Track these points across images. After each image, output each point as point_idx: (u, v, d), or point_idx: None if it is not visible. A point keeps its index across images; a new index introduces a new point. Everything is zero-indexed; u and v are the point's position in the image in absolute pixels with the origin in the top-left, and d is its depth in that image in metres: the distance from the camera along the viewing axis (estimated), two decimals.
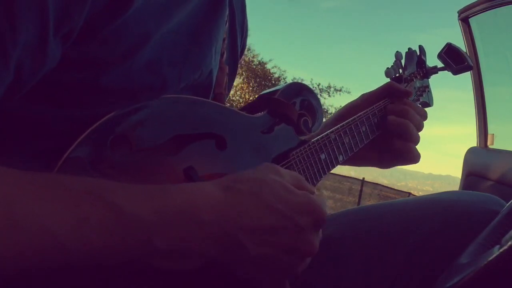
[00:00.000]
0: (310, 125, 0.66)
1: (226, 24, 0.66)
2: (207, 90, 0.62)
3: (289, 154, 0.63)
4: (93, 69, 0.47)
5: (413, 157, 0.76)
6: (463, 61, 0.85)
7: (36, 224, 0.36)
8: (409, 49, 0.86)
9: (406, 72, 0.84)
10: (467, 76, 2.23)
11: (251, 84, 16.27)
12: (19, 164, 0.38)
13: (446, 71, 0.88)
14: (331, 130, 0.68)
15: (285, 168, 0.59)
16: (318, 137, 0.67)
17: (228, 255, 0.43)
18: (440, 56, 0.86)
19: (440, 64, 0.88)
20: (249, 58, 16.14)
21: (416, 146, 0.77)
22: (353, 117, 0.72)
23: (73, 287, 0.41)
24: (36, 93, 0.45)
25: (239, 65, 0.78)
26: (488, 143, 2.19)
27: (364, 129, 0.73)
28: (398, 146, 0.75)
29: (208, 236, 0.42)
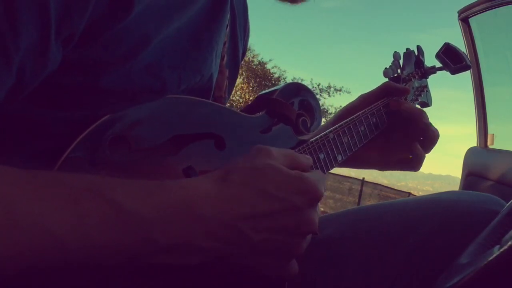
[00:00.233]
0: (308, 125, 0.66)
1: (227, 27, 0.66)
2: (207, 93, 0.63)
3: None
4: (94, 71, 0.47)
5: (420, 165, 0.77)
6: (461, 60, 0.85)
7: (36, 223, 0.36)
8: (407, 49, 0.86)
9: (404, 72, 0.84)
10: (467, 76, 2.23)
11: (251, 84, 16.28)
12: (18, 164, 0.38)
13: (444, 71, 0.89)
14: (329, 130, 0.68)
15: None
16: (317, 136, 0.67)
17: (231, 246, 0.44)
18: (438, 56, 0.86)
19: (438, 64, 0.88)
20: (249, 58, 16.15)
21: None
22: (351, 117, 0.72)
23: (73, 287, 0.41)
24: (36, 95, 0.45)
25: (238, 69, 0.78)
26: (488, 143, 2.19)
27: (362, 128, 0.73)
28: (418, 152, 0.76)
29: (208, 230, 0.42)
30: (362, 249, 0.69)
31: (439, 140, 0.78)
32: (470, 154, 2.19)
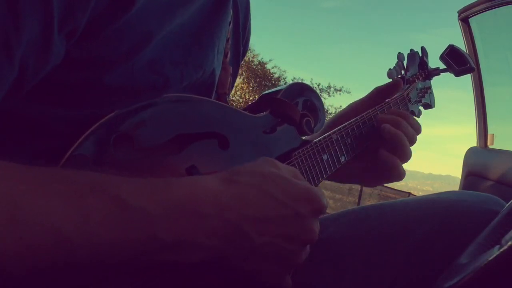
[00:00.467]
0: (312, 125, 0.66)
1: (229, 24, 0.66)
2: (210, 89, 0.62)
3: (291, 154, 0.63)
4: (96, 68, 0.47)
5: (399, 174, 0.72)
6: (465, 63, 0.85)
7: (40, 221, 0.36)
8: (411, 50, 0.86)
9: (408, 74, 0.84)
10: (467, 76, 2.23)
11: (251, 84, 16.28)
12: (20, 162, 0.38)
13: (448, 73, 0.89)
14: (333, 130, 0.68)
15: None
16: (321, 137, 0.67)
17: (233, 246, 0.44)
18: (442, 57, 0.86)
19: (442, 66, 0.88)
20: (249, 58, 16.15)
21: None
22: (355, 118, 0.72)
23: (78, 285, 0.41)
24: (38, 93, 0.45)
25: (239, 66, 0.78)
26: (488, 143, 2.19)
27: (366, 130, 0.73)
28: (386, 159, 0.70)
29: (212, 228, 0.42)
30: (362, 249, 0.69)
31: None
32: (470, 154, 2.19)
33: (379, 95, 0.78)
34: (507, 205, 0.65)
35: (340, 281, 0.68)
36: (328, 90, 16.68)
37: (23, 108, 0.46)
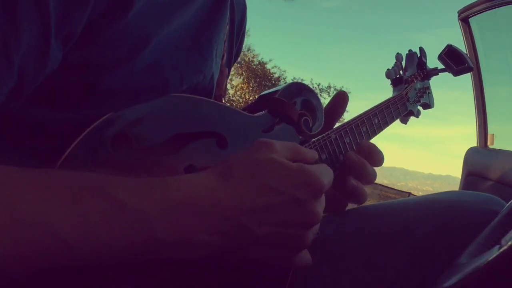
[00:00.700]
0: (310, 125, 0.66)
1: (226, 26, 0.66)
2: (209, 94, 0.63)
3: None
4: (95, 71, 0.47)
5: (363, 199, 0.69)
6: (463, 62, 0.86)
7: (39, 222, 0.36)
8: (410, 50, 0.86)
9: (406, 74, 0.85)
10: (467, 77, 2.24)
11: (251, 84, 16.28)
12: (19, 163, 0.38)
13: (446, 73, 0.89)
14: (332, 130, 0.68)
15: None
16: (319, 136, 0.66)
17: (235, 240, 0.44)
18: (440, 57, 0.86)
19: (440, 66, 0.88)
20: (249, 58, 16.15)
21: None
22: (353, 117, 0.72)
23: (77, 286, 0.41)
24: (38, 96, 0.45)
25: (239, 65, 0.79)
26: (488, 143, 2.19)
27: (365, 129, 0.73)
28: (353, 187, 0.67)
29: (211, 225, 0.42)
30: (362, 249, 0.69)
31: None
32: (470, 154, 2.19)
33: (328, 113, 0.72)
34: (507, 205, 0.65)
35: (340, 281, 0.68)
36: (328, 90, 16.69)
37: (23, 110, 0.46)
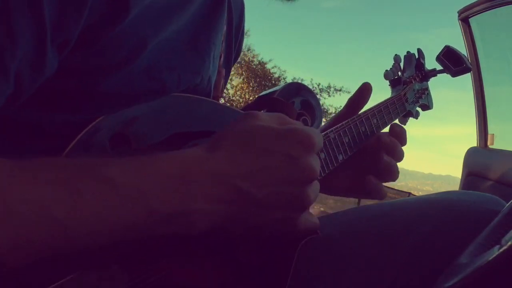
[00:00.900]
0: (309, 124, 0.66)
1: (224, 27, 0.66)
2: (207, 96, 0.63)
3: None
4: (93, 76, 0.47)
5: (381, 196, 0.74)
6: (461, 63, 0.86)
7: (33, 210, 0.36)
8: (408, 52, 0.87)
9: (405, 75, 0.85)
10: (467, 77, 2.24)
11: (251, 84, 16.29)
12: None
13: (445, 74, 0.89)
14: (330, 129, 0.68)
15: None
16: None
17: (235, 206, 0.44)
18: (438, 59, 0.86)
19: (438, 67, 0.88)
20: (249, 58, 16.15)
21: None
22: (352, 117, 0.72)
23: (79, 270, 0.41)
24: (36, 98, 0.45)
25: (239, 65, 0.79)
26: (488, 143, 2.19)
27: (363, 129, 0.73)
28: (373, 185, 0.72)
29: (207, 193, 0.42)
30: (362, 249, 0.69)
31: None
32: (470, 154, 2.19)
33: (352, 105, 0.76)
34: (507, 205, 0.65)
35: (340, 281, 0.68)
36: (328, 90, 16.68)
37: (22, 112, 0.46)
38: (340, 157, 0.69)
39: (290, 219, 0.47)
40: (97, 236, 0.38)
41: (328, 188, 0.76)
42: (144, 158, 0.42)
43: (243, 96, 16.16)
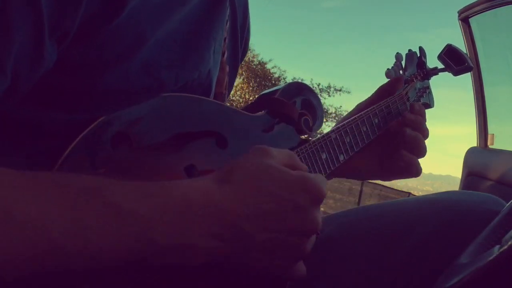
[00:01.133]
0: (310, 124, 0.66)
1: (227, 23, 0.65)
2: (207, 90, 0.62)
3: None
4: (89, 71, 0.46)
5: (417, 171, 0.76)
6: (463, 62, 0.86)
7: (34, 228, 0.35)
8: (409, 50, 0.86)
9: (406, 73, 0.85)
10: (467, 76, 2.24)
11: (251, 84, 16.28)
12: (18, 164, 0.38)
13: (446, 72, 0.89)
14: (331, 129, 0.68)
15: None
16: (319, 136, 0.67)
17: (234, 246, 0.43)
18: (440, 57, 0.86)
19: (440, 65, 0.88)
20: (249, 58, 16.14)
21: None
22: (353, 117, 0.72)
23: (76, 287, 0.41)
24: (34, 96, 0.45)
25: (239, 65, 0.78)
26: (488, 143, 2.19)
27: (365, 129, 0.73)
28: (407, 159, 0.75)
29: (209, 229, 0.42)
30: (362, 249, 0.69)
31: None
32: (470, 154, 2.19)
33: (382, 93, 0.79)
34: (507, 205, 0.65)
35: (340, 281, 0.68)
36: (328, 90, 16.68)
37: (21, 111, 0.46)
38: (342, 157, 0.69)
39: (285, 266, 0.47)
40: (93, 259, 0.38)
41: (356, 173, 0.79)
42: (150, 185, 0.42)
43: (243, 96, 16.15)
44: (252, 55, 16.48)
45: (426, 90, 0.90)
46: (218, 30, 0.62)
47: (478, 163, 2.09)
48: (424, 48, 0.89)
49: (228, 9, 0.65)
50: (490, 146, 2.18)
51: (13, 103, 0.43)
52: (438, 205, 0.71)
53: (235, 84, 0.81)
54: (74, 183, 0.39)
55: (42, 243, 0.35)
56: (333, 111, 16.68)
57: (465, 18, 2.14)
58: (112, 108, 0.47)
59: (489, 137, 2.20)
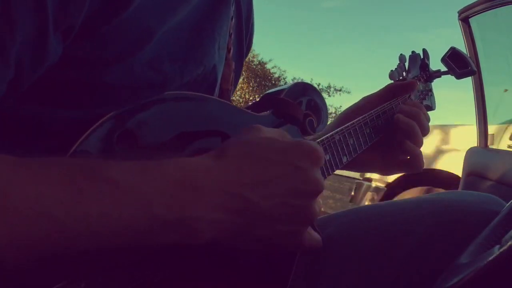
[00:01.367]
0: (315, 125, 0.66)
1: (232, 20, 0.65)
2: (212, 85, 0.62)
3: None
4: (94, 66, 0.46)
5: (417, 164, 0.75)
6: (466, 65, 0.86)
7: (32, 207, 0.35)
8: (413, 52, 0.86)
9: (409, 75, 0.85)
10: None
11: (251, 84, 16.30)
12: None
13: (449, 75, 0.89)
14: (335, 131, 0.68)
15: None
16: (323, 137, 0.66)
17: (240, 216, 0.43)
18: (444, 60, 0.86)
19: (443, 68, 0.88)
20: (249, 58, 16.15)
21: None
22: (357, 119, 0.72)
23: (78, 273, 0.40)
24: (37, 93, 0.45)
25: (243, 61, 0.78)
26: (488, 143, 2.20)
27: (368, 131, 0.73)
28: (407, 148, 0.74)
29: (212, 201, 0.41)
30: (362, 249, 0.69)
31: None
32: (470, 154, 2.19)
33: (390, 93, 0.79)
34: (507, 205, 0.65)
35: (340, 281, 0.68)
36: (328, 90, 16.72)
37: (23, 109, 0.46)
38: (345, 159, 0.69)
39: (295, 233, 0.47)
40: (96, 237, 0.37)
41: (357, 165, 0.78)
42: (148, 161, 0.41)
43: (243, 96, 16.15)
44: (252, 55, 16.50)
45: (429, 92, 0.90)
46: (223, 25, 0.62)
47: (478, 163, 2.09)
48: (423, 47, 0.89)
49: (233, 5, 0.65)
50: (490, 146, 2.18)
51: (14, 99, 0.42)
52: (438, 205, 0.71)
53: (240, 76, 0.81)
54: (73, 162, 0.39)
55: (43, 222, 0.35)
56: (333, 111, 16.71)
57: (465, 18, 2.14)
58: (116, 104, 0.47)
59: (489, 137, 2.20)
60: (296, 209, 0.45)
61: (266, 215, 0.44)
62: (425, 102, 0.89)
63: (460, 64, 0.86)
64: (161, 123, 0.50)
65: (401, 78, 0.83)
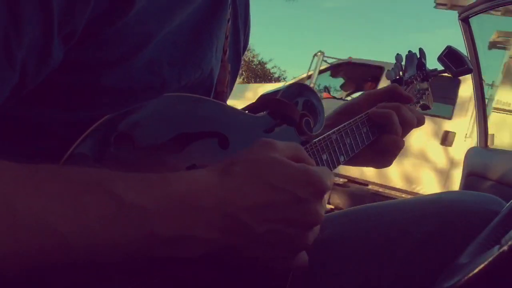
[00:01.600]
0: (312, 126, 0.66)
1: (228, 22, 0.65)
2: (208, 89, 0.62)
3: None
4: (93, 70, 0.47)
5: (396, 147, 0.75)
6: (463, 64, 0.86)
7: (37, 221, 0.35)
8: (409, 51, 0.86)
9: (406, 75, 0.85)
10: (467, 76, 2.24)
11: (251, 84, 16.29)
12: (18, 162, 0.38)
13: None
14: (332, 130, 0.68)
15: None
16: (320, 137, 0.66)
17: (234, 237, 0.43)
18: (440, 59, 0.86)
19: (440, 67, 0.88)
20: (249, 58, 16.16)
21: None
22: (354, 118, 0.72)
23: (77, 284, 0.41)
24: (37, 95, 0.45)
25: (240, 64, 0.78)
26: (488, 143, 2.20)
27: (365, 130, 0.73)
28: (384, 140, 0.74)
29: (210, 221, 0.42)
30: (362, 249, 0.69)
31: None
32: (470, 154, 2.20)
33: (390, 93, 0.78)
34: (507, 205, 0.65)
35: (340, 281, 0.68)
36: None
37: (22, 110, 0.46)
38: (342, 158, 0.69)
39: (285, 257, 0.47)
40: (97, 252, 0.38)
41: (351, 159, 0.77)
42: (153, 177, 0.42)
43: None
44: (252, 55, 16.50)
45: (426, 91, 0.90)
46: (220, 28, 0.62)
47: (478, 163, 2.09)
48: (424, 49, 0.89)
49: (230, 7, 0.65)
50: (490, 146, 2.18)
51: (16, 100, 0.43)
52: (438, 205, 0.71)
53: (237, 78, 0.80)
54: (76, 175, 0.39)
55: (45, 236, 0.36)
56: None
57: (465, 18, 2.14)
58: (114, 107, 0.47)
59: (489, 137, 2.20)
60: (289, 238, 0.45)
61: (258, 239, 0.44)
62: (422, 102, 0.89)
63: (456, 62, 0.86)
64: (157, 125, 0.50)
65: (397, 77, 0.83)
